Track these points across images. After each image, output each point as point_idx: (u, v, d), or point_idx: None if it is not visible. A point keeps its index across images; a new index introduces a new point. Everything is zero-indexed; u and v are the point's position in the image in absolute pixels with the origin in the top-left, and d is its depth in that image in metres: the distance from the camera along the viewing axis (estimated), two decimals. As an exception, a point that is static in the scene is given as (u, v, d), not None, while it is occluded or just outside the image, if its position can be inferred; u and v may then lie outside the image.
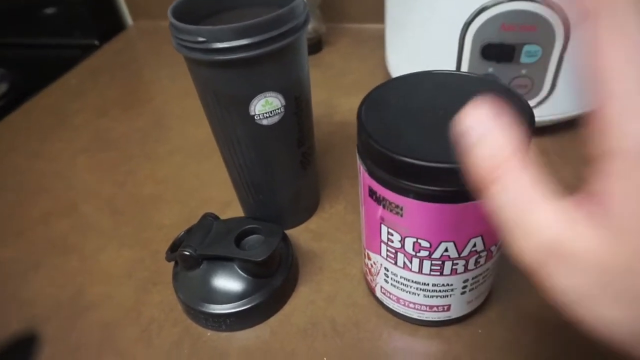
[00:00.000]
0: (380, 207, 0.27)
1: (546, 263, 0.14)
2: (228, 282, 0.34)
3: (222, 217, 0.38)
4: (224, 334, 0.34)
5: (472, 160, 0.16)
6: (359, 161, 0.27)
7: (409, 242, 0.27)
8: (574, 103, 0.44)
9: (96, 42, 0.82)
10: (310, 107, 0.37)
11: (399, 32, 0.49)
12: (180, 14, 0.32)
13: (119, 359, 0.33)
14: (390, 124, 0.25)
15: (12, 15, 0.86)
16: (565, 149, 0.46)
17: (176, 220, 0.44)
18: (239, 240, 0.35)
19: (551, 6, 0.37)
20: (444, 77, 0.28)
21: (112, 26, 0.87)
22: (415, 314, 0.32)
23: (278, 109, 0.33)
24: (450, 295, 0.30)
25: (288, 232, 0.40)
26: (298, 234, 0.41)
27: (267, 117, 0.33)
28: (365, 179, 0.27)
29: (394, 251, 0.28)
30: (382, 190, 0.26)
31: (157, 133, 0.57)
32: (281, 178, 0.37)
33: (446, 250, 0.26)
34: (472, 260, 0.27)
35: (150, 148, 0.54)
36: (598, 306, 0.13)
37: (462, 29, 0.40)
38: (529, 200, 0.14)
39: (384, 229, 0.28)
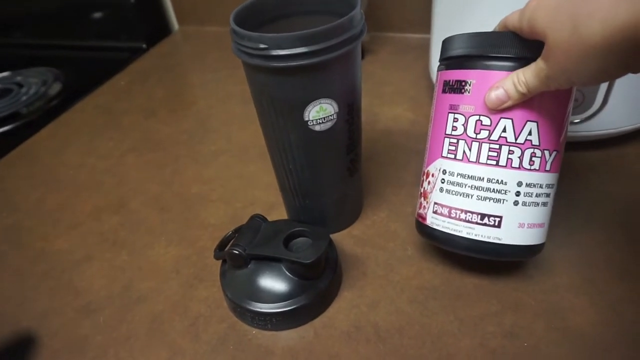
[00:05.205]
0: (451, 94, 0.32)
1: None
2: (275, 283, 0.34)
3: (267, 218, 0.39)
4: (269, 333, 0.35)
5: None
6: (437, 74, 0.35)
7: (471, 123, 0.31)
8: (624, 119, 0.43)
9: (143, 46, 0.85)
10: (360, 115, 0.37)
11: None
12: (241, 20, 0.33)
13: (167, 350, 0.34)
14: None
15: (62, 18, 0.90)
16: (613, 164, 0.45)
17: (221, 219, 0.45)
18: (286, 242, 0.36)
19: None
20: None
21: (159, 30, 0.90)
22: (465, 230, 0.32)
23: (331, 115, 0.34)
24: (503, 202, 0.31)
25: (332, 236, 0.41)
26: (342, 239, 0.41)
27: (320, 123, 0.34)
28: (440, 82, 0.34)
29: (455, 141, 0.32)
30: (453, 75, 0.32)
31: (202, 135, 0.59)
32: (329, 183, 0.38)
33: (504, 130, 0.30)
34: (527, 154, 0.31)
35: (196, 149, 0.56)
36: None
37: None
38: None
39: (450, 118, 0.33)
